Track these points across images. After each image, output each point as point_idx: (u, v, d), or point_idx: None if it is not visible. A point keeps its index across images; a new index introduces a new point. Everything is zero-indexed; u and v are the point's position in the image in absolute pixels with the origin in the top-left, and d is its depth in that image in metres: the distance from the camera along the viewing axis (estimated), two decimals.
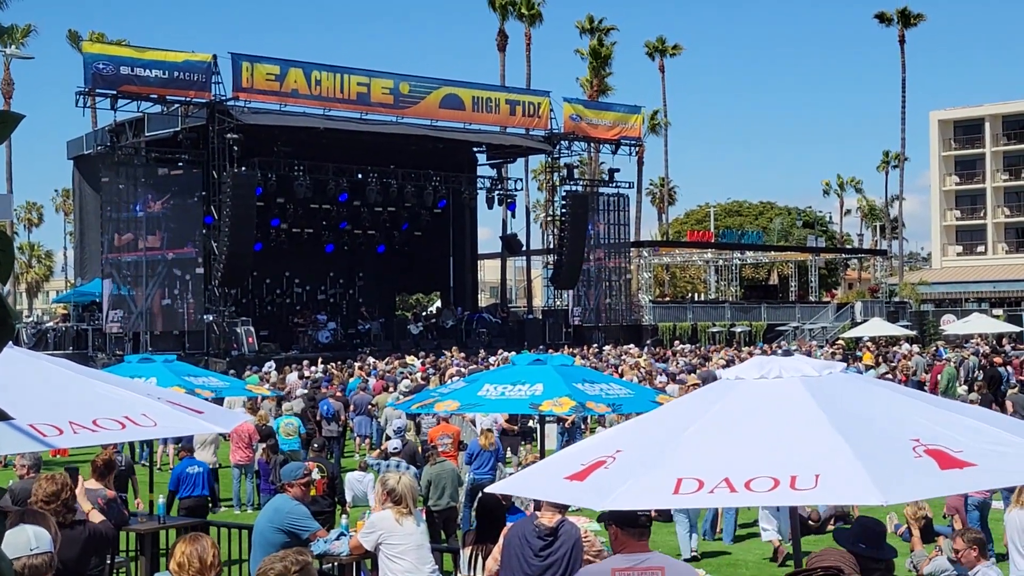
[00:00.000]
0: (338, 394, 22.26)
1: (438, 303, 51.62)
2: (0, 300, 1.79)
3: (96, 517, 7.27)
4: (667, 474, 4.19)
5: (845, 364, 5.10)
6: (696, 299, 61.87)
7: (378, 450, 16.74)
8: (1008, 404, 20.37)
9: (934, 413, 4.52)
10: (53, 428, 4.99)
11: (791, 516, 5.62)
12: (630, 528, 5.29)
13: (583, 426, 20.65)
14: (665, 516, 14.75)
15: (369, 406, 22.20)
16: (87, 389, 5.75)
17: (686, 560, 12.90)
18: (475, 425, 17.31)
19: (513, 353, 26.39)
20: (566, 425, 19.51)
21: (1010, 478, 4.57)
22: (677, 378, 24.78)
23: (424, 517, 12.06)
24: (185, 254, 34.41)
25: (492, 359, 30.85)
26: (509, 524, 7.62)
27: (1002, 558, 12.02)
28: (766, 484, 3.98)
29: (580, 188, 44.84)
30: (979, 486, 5.21)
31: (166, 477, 18.20)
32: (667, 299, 57.48)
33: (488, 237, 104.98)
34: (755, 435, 4.37)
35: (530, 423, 19.33)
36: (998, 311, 55.29)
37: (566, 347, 37.08)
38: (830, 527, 13.43)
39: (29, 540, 4.52)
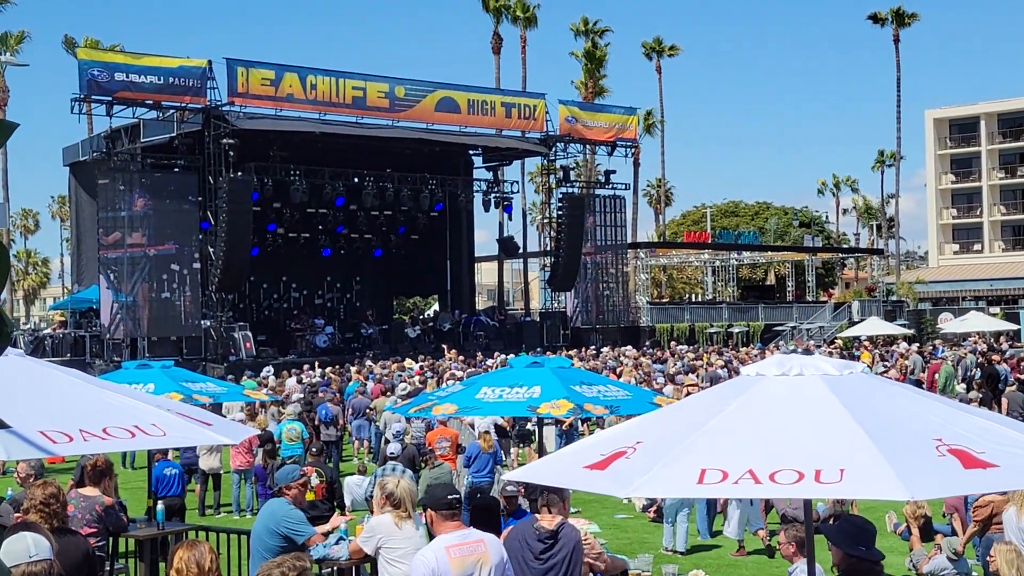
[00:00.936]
0: (336, 398, 22.25)
1: (435, 306, 51.60)
2: None
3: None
4: (690, 464, 4.19)
5: (863, 364, 5.12)
6: (693, 300, 61.89)
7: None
8: (1003, 402, 20.35)
9: (953, 414, 4.53)
10: (63, 435, 5.04)
11: (806, 515, 5.62)
12: (445, 511, 6.07)
13: (581, 427, 20.65)
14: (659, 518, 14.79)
15: (367, 410, 22.19)
16: (97, 397, 5.80)
17: (681, 554, 13.25)
18: (473, 428, 17.31)
19: (511, 355, 26.42)
20: (563, 427, 19.53)
21: None
22: (676, 379, 24.78)
23: (423, 521, 12.06)
24: (165, 250, 34.22)
25: (490, 361, 30.85)
26: (509, 527, 7.62)
27: None
28: (791, 477, 3.98)
29: (576, 190, 44.85)
30: (1003, 487, 5.22)
31: None
32: (664, 300, 57.52)
33: (485, 240, 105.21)
34: (778, 429, 4.37)
35: (528, 425, 19.35)
36: (995, 309, 55.33)
37: (564, 349, 37.09)
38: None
39: (28, 547, 4.52)
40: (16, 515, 6.87)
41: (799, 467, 4.01)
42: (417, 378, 25.55)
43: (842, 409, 4.33)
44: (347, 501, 14.44)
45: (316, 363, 31.19)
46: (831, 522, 13.64)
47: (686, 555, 13.38)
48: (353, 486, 15.20)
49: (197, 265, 34.56)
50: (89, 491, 9.03)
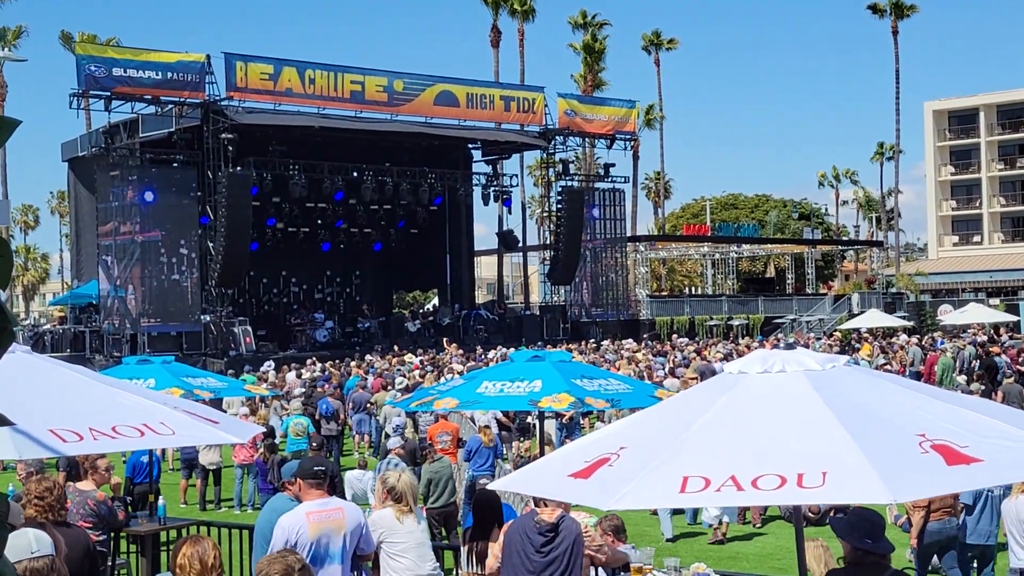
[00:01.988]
0: (337, 393, 22.25)
1: (435, 300, 51.61)
2: (0, 306, 1.77)
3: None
4: (673, 472, 4.13)
5: (848, 356, 5.05)
6: (693, 293, 61.90)
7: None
8: (999, 394, 20.29)
9: (937, 406, 4.46)
10: (73, 434, 5.04)
11: (795, 513, 5.60)
12: (311, 480, 6.96)
13: (582, 421, 20.66)
14: None
15: (368, 404, 22.21)
16: (106, 396, 5.80)
17: (667, 540, 13.51)
18: (474, 422, 17.31)
19: (511, 349, 26.43)
20: (564, 420, 19.54)
21: (1015, 473, 4.46)
22: (676, 372, 24.80)
23: (424, 515, 12.07)
24: (152, 237, 34.14)
25: (490, 355, 30.86)
26: (509, 521, 7.62)
27: (1001, 547, 12.04)
28: (773, 482, 3.92)
29: (576, 183, 44.83)
30: (985, 483, 5.15)
31: (170, 478, 18.25)
32: (664, 293, 57.52)
33: (484, 233, 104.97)
34: (760, 431, 4.32)
35: (529, 419, 19.36)
36: (995, 300, 55.34)
37: (564, 342, 37.10)
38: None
39: (30, 543, 4.53)
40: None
41: (781, 471, 3.95)
42: (416, 372, 25.57)
43: (824, 407, 4.27)
44: (348, 495, 14.46)
45: (316, 358, 31.21)
46: (833, 514, 13.69)
47: (672, 542, 13.68)
48: (354, 480, 15.21)
49: (194, 254, 34.52)
50: (84, 485, 9.07)
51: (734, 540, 13.89)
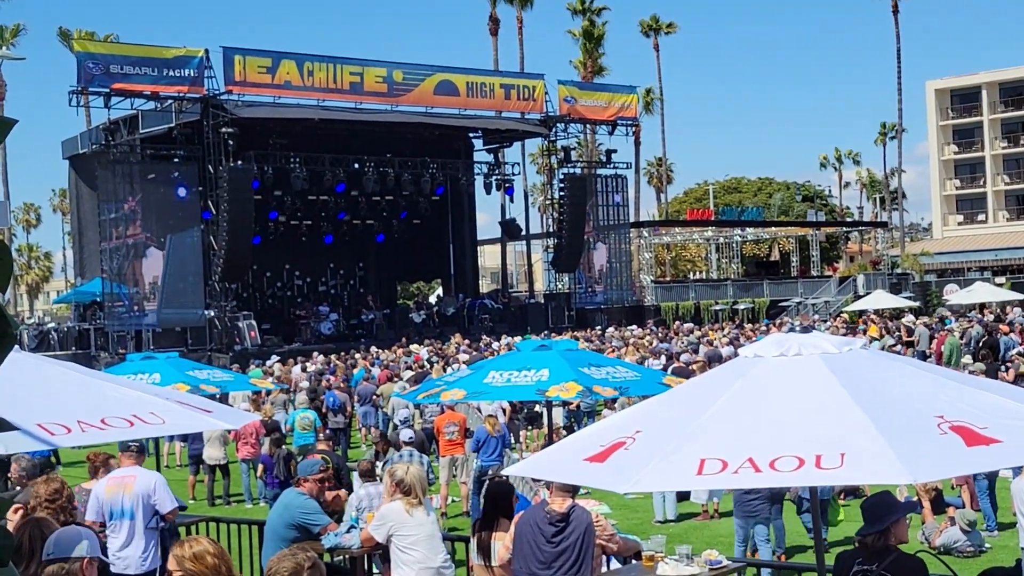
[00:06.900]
0: (343, 385, 22.21)
1: (439, 291, 51.53)
2: (0, 311, 1.71)
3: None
4: (690, 455, 4.11)
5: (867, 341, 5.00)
6: (697, 278, 61.74)
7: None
8: (1010, 372, 20.12)
9: (956, 389, 4.43)
10: (61, 427, 4.99)
11: (812, 495, 5.56)
12: (126, 451, 8.70)
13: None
14: None
15: (374, 396, 22.15)
16: (95, 389, 5.77)
17: (658, 522, 13.56)
18: (480, 412, 17.25)
19: (517, 338, 26.38)
20: (571, 408, 19.48)
21: None
22: (681, 358, 24.71)
23: (434, 506, 12.01)
24: (165, 240, 34.05)
25: (496, 344, 30.80)
26: (520, 512, 7.55)
27: (1009, 526, 11.97)
28: (791, 464, 3.90)
29: (578, 170, 44.67)
30: (1006, 463, 5.11)
31: (174, 474, 18.21)
32: (668, 279, 57.39)
33: (487, 222, 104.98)
34: (777, 414, 4.29)
35: (536, 407, 19.30)
36: (1001, 279, 55.14)
37: (569, 330, 37.03)
38: (841, 502, 13.40)
39: (48, 545, 4.44)
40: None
41: (799, 453, 3.93)
42: (416, 363, 25.52)
43: (841, 390, 4.25)
44: (356, 487, 14.37)
45: (321, 351, 31.16)
46: (842, 497, 13.61)
47: (677, 522, 13.72)
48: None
49: (197, 249, 34.51)
50: (91, 485, 9.07)
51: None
